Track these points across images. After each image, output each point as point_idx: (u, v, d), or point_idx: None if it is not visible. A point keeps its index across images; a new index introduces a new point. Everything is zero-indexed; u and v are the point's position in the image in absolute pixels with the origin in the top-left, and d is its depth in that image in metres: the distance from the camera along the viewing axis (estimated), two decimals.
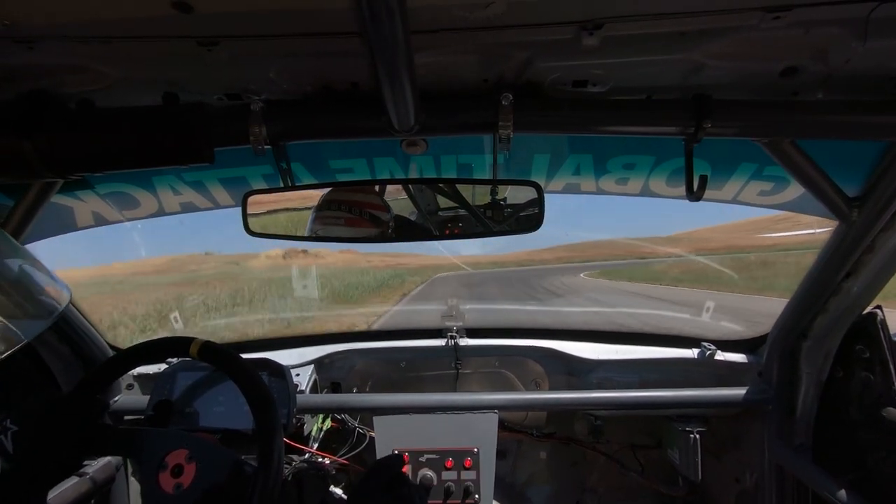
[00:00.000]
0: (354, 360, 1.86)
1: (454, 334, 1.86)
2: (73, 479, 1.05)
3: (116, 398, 1.67)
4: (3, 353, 0.71)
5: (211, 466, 1.01)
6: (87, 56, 0.79)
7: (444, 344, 1.85)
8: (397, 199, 1.19)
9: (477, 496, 1.53)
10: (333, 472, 1.68)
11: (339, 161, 1.30)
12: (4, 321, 0.73)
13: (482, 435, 1.55)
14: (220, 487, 0.99)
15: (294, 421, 1.51)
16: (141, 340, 1.18)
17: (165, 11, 0.66)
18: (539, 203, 1.10)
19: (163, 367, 1.66)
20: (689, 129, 0.88)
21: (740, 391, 1.59)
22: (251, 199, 1.13)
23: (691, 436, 1.76)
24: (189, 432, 1.08)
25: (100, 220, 1.44)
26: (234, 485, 0.99)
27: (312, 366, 1.78)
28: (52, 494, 0.98)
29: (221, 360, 1.05)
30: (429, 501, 1.51)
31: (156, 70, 0.85)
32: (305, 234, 1.18)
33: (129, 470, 1.63)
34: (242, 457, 1.44)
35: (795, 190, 1.26)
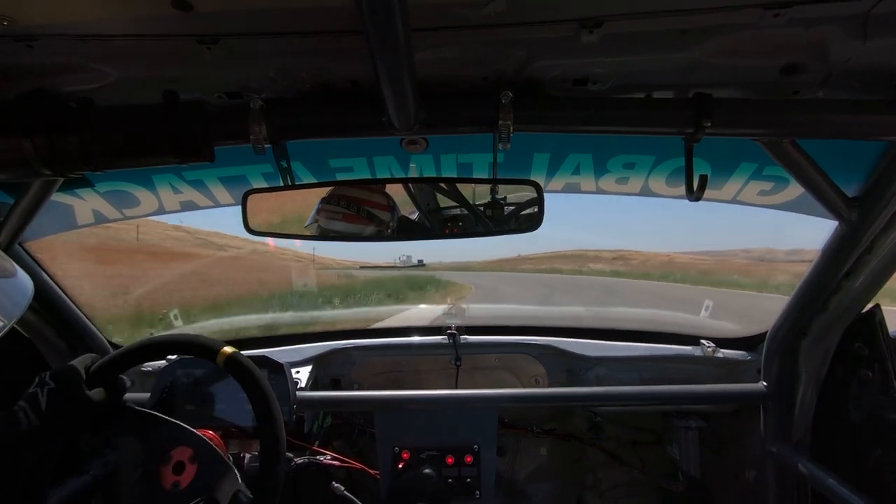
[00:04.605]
0: (354, 357, 1.86)
1: (454, 331, 1.86)
2: (73, 479, 1.06)
3: None
4: None
5: (210, 472, 1.01)
6: (87, 55, 0.79)
7: (444, 341, 1.86)
8: (396, 198, 1.19)
9: (477, 493, 1.54)
10: (334, 469, 1.69)
11: (338, 160, 1.30)
12: None
13: (482, 431, 1.56)
14: (210, 500, 0.99)
15: (294, 418, 1.51)
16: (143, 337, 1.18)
17: (165, 10, 0.66)
18: (539, 202, 1.10)
19: (162, 363, 1.66)
20: (689, 128, 0.87)
21: (739, 388, 1.60)
22: (251, 197, 1.13)
23: (691, 432, 1.77)
24: (196, 431, 1.09)
25: (100, 218, 1.45)
26: (228, 500, 0.99)
27: (312, 363, 1.79)
28: (51, 493, 0.98)
29: (242, 377, 1.03)
30: (428, 499, 1.52)
31: (155, 68, 0.85)
32: (306, 233, 1.18)
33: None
34: (243, 454, 1.45)
35: (795, 190, 1.26)
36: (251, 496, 0.99)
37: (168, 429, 1.07)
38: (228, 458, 1.07)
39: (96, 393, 0.99)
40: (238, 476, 1.04)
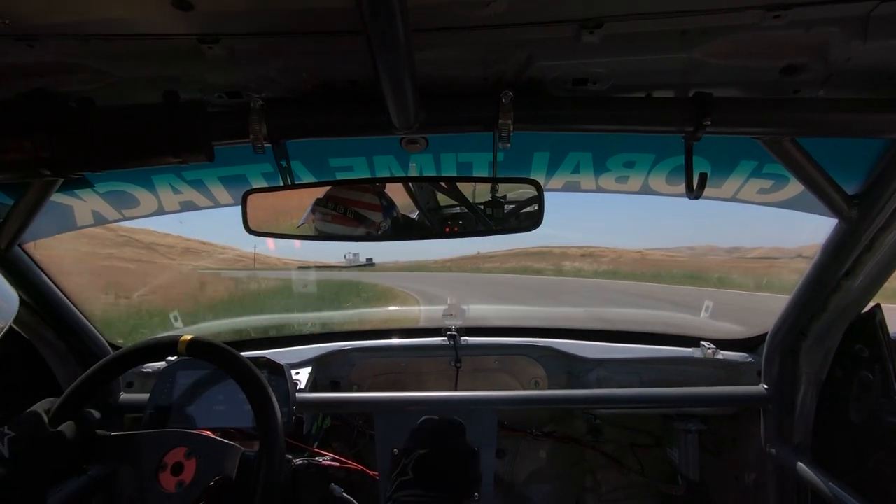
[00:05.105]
0: (354, 359, 1.86)
1: (454, 333, 1.86)
2: (73, 479, 1.06)
3: (117, 396, 1.67)
4: None
5: (211, 459, 1.01)
6: (88, 54, 0.79)
7: (444, 342, 1.85)
8: (396, 197, 1.19)
9: (476, 495, 1.53)
10: (333, 471, 1.68)
11: (338, 159, 1.30)
12: None
13: (482, 433, 1.55)
14: (224, 478, 0.98)
15: (293, 419, 1.51)
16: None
17: (166, 9, 0.66)
18: (539, 200, 1.10)
19: (162, 364, 1.66)
20: (689, 126, 0.87)
21: (739, 390, 1.59)
22: (251, 197, 1.12)
23: (690, 435, 1.77)
24: (181, 430, 1.08)
25: (99, 219, 1.44)
26: (236, 473, 0.99)
27: (312, 364, 1.78)
28: (51, 493, 0.98)
29: (211, 353, 1.03)
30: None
31: (156, 68, 0.85)
32: (304, 233, 1.18)
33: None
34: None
35: (795, 188, 1.26)
36: (254, 452, 0.98)
37: (152, 440, 1.06)
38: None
39: (67, 428, 0.99)
40: (239, 445, 1.03)
